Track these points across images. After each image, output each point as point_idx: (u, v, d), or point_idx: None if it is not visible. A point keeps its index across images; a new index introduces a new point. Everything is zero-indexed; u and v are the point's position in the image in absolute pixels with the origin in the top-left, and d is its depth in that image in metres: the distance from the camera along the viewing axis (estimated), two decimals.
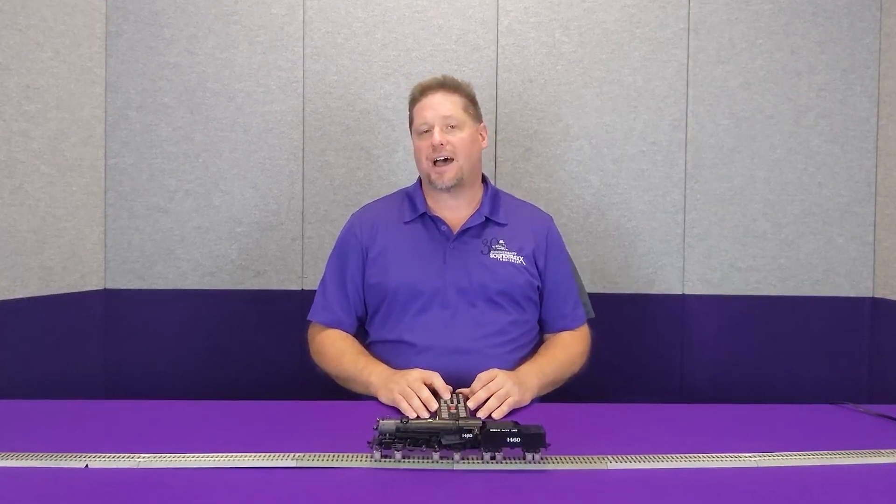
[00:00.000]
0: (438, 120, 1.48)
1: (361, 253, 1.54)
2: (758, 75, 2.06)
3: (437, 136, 1.47)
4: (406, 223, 1.54)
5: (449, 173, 1.48)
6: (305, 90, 2.05)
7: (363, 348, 1.51)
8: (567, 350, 1.51)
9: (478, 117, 1.57)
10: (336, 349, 1.49)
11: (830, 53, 2.06)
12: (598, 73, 2.07)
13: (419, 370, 1.31)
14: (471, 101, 1.55)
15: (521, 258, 1.51)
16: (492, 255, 1.50)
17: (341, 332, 1.53)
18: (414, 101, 1.54)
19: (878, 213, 2.07)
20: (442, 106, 1.49)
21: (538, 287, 1.53)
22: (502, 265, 1.49)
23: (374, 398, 1.36)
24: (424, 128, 1.50)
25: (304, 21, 2.05)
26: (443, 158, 1.48)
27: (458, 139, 1.49)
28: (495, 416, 1.23)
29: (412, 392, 1.25)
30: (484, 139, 1.58)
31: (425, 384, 1.27)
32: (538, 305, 1.55)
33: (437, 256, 1.49)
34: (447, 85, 1.53)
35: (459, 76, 1.61)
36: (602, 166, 2.07)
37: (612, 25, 2.06)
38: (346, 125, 2.06)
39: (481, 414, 1.23)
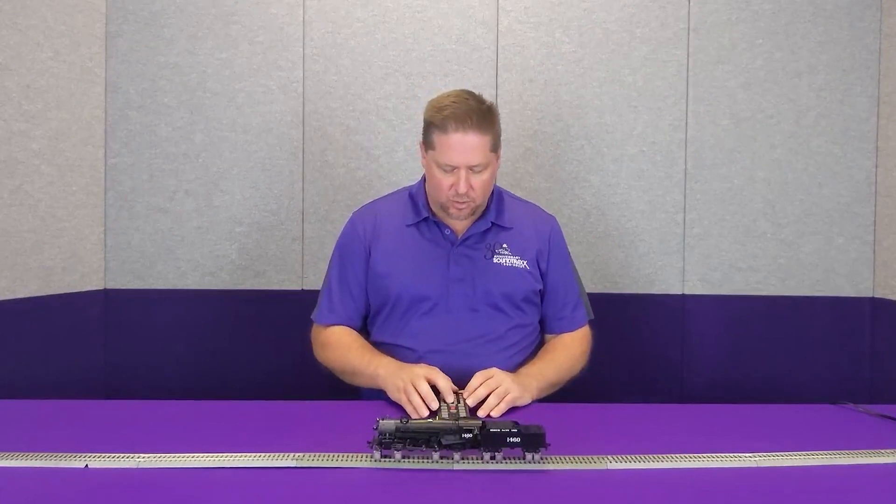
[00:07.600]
0: (466, 165, 1.39)
1: (364, 252, 1.52)
2: (758, 75, 2.06)
3: (463, 185, 1.39)
4: (409, 226, 1.52)
5: (466, 210, 1.45)
6: (305, 90, 2.05)
7: (368, 343, 1.50)
8: (567, 352, 1.51)
9: (499, 145, 1.47)
10: (343, 343, 1.49)
11: (830, 53, 2.06)
12: (598, 73, 2.06)
13: (425, 367, 1.31)
14: (497, 133, 1.45)
15: (525, 262, 1.50)
16: (495, 260, 1.48)
17: (346, 328, 1.53)
18: (444, 128, 1.39)
19: (878, 213, 2.07)
20: (474, 153, 1.39)
21: (539, 290, 1.53)
22: (506, 270, 1.48)
23: (374, 396, 1.36)
24: (449, 168, 1.40)
25: (304, 21, 2.05)
26: (463, 201, 1.43)
27: (481, 182, 1.42)
28: (494, 413, 1.23)
29: (412, 389, 1.25)
30: (498, 160, 1.49)
31: (429, 381, 1.27)
32: (539, 308, 1.54)
33: (440, 261, 1.48)
34: (483, 124, 1.39)
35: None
36: (602, 166, 2.07)
37: (612, 25, 2.06)
38: (346, 125, 2.06)
39: (481, 412, 1.23)
